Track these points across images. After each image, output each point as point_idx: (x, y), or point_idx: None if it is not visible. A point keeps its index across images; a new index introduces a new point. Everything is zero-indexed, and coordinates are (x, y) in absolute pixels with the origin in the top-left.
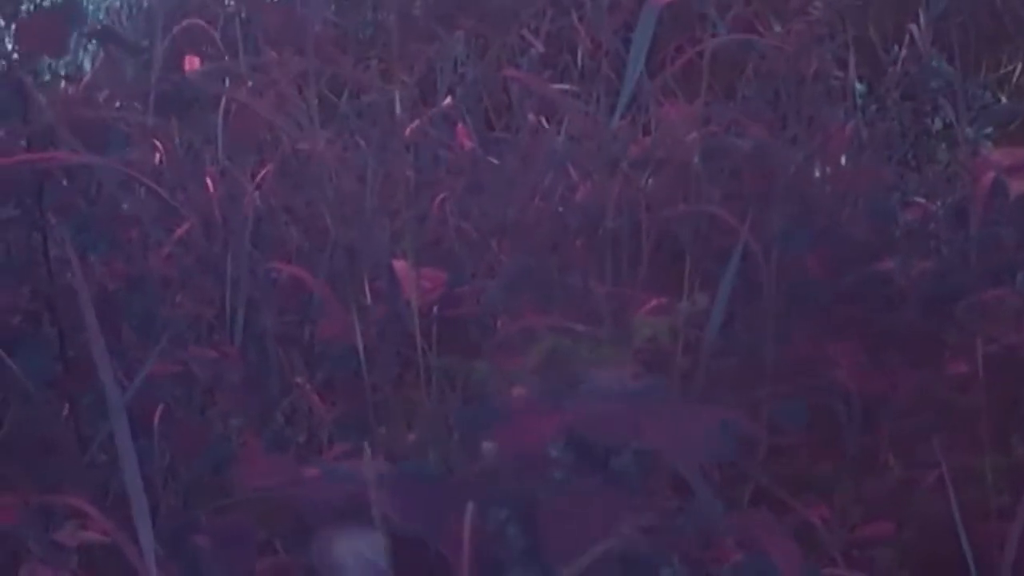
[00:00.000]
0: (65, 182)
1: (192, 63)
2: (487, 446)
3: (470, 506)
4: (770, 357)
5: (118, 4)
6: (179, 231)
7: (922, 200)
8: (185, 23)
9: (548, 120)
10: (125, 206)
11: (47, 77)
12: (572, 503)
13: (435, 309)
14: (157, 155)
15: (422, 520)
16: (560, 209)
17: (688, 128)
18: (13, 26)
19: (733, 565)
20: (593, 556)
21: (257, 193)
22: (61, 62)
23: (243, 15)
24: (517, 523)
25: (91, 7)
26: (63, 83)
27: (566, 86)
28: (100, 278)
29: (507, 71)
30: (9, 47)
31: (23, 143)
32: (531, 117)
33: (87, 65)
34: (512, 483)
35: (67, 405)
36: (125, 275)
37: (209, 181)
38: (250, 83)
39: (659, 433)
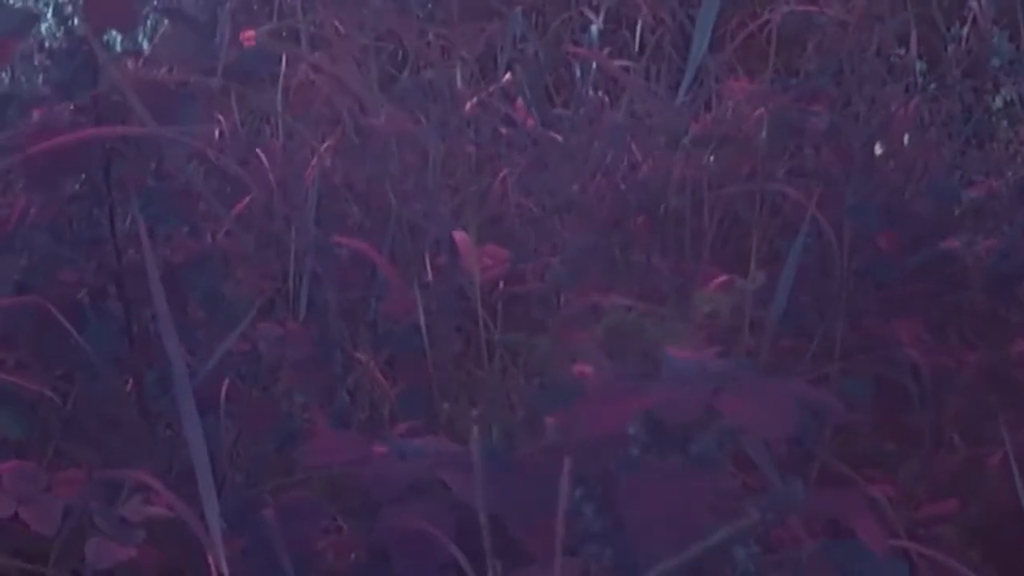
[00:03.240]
0: (133, 156)
1: (249, 38)
2: (552, 424)
3: (563, 488)
4: (837, 334)
5: None
6: (240, 205)
7: (984, 178)
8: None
9: (609, 96)
10: (189, 180)
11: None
12: (653, 483)
13: (500, 285)
14: (218, 130)
15: (505, 503)
16: (622, 186)
17: (752, 104)
18: (81, 0)
19: (820, 546)
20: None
21: (318, 168)
22: (119, 38)
23: None
24: (595, 503)
25: None
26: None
27: (627, 63)
28: (164, 253)
29: (569, 47)
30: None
31: (91, 117)
32: (592, 93)
33: (144, 42)
34: (589, 464)
35: (132, 381)
36: (189, 251)
37: (271, 155)
38: (312, 57)
39: (741, 411)
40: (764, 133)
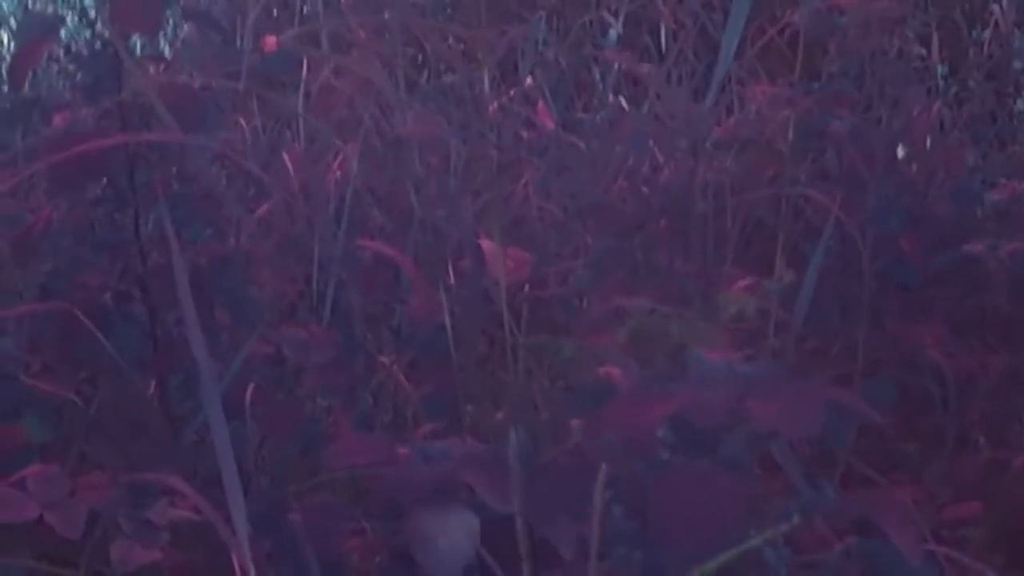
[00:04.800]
0: (158, 160)
1: (270, 43)
2: (576, 427)
3: (598, 492)
4: (860, 336)
5: None
6: (263, 209)
7: (1006, 181)
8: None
9: (629, 100)
10: (212, 183)
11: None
12: (681, 486)
13: (525, 288)
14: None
15: (530, 505)
16: (645, 189)
17: (775, 108)
18: (108, 4)
19: (850, 546)
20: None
21: (340, 172)
22: (139, 43)
23: None
24: (624, 505)
25: None
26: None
27: (648, 66)
28: (189, 257)
29: (592, 51)
30: (102, 25)
31: (115, 121)
32: (613, 97)
33: (165, 46)
34: (617, 466)
35: (156, 384)
36: (213, 254)
37: (292, 159)
38: (336, 59)
39: (770, 413)
40: (787, 136)
